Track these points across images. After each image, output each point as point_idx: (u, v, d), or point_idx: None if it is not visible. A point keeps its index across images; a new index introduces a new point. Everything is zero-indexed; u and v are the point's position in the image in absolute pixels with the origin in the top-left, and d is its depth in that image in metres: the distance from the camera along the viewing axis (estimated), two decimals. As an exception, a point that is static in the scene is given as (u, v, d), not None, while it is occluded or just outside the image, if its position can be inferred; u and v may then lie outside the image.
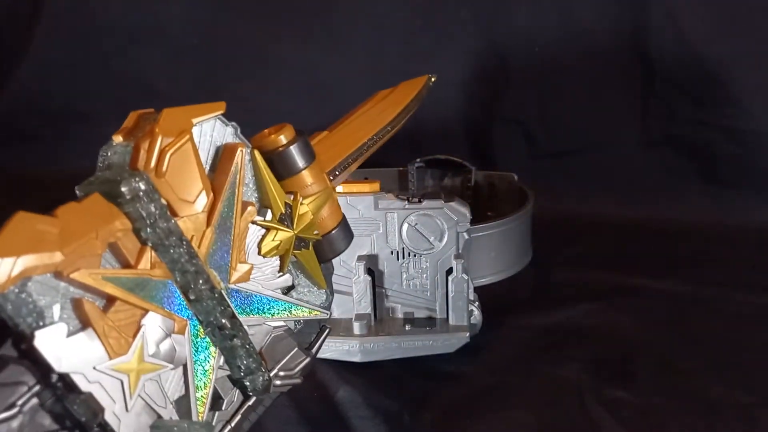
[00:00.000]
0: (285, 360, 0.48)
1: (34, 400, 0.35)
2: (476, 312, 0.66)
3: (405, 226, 0.64)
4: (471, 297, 0.65)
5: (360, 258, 0.64)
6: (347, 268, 0.64)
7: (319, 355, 0.63)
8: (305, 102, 1.21)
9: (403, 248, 0.65)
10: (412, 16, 1.19)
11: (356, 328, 0.64)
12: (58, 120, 1.32)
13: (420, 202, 0.64)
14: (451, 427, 0.56)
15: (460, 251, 0.64)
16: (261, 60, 1.25)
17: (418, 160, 0.93)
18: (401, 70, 0.71)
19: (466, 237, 0.64)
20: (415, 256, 0.65)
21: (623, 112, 1.10)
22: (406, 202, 0.64)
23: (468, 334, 0.64)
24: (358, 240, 0.64)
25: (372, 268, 0.65)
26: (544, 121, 1.14)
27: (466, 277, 0.63)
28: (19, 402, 0.34)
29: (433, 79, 0.69)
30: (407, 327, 0.65)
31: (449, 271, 0.64)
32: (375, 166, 0.91)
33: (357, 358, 0.63)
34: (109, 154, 0.40)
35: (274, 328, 0.49)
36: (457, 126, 1.18)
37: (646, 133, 1.09)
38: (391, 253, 0.65)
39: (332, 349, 0.63)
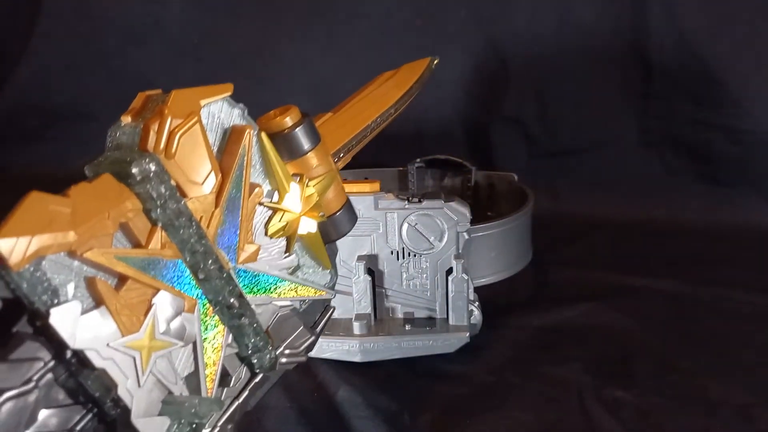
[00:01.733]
0: (291, 338, 0.48)
1: (49, 375, 0.36)
2: (476, 312, 0.66)
3: (405, 226, 0.64)
4: (471, 297, 0.65)
5: (360, 258, 0.64)
6: (347, 268, 0.64)
7: (320, 355, 0.63)
8: (305, 101, 1.20)
9: (403, 248, 0.65)
10: (412, 16, 1.19)
11: (356, 328, 0.64)
12: (58, 120, 1.32)
13: (420, 202, 0.64)
14: (451, 427, 0.56)
15: (460, 251, 0.64)
16: (261, 59, 1.25)
17: (418, 160, 0.93)
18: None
19: (466, 237, 0.64)
20: (415, 256, 0.65)
21: (623, 112, 1.10)
22: (406, 202, 0.64)
23: (468, 334, 0.64)
24: (358, 240, 0.64)
25: (372, 268, 0.65)
26: (544, 121, 1.14)
27: (466, 277, 0.63)
28: (35, 377, 0.35)
29: (435, 62, 0.69)
30: (407, 327, 0.65)
31: (449, 271, 0.64)
32: (375, 166, 0.91)
33: (357, 358, 0.64)
34: (117, 134, 0.40)
35: (281, 307, 0.49)
36: (457, 126, 1.18)
37: (645, 132, 1.09)
38: (391, 253, 0.65)
39: (332, 349, 0.63)
